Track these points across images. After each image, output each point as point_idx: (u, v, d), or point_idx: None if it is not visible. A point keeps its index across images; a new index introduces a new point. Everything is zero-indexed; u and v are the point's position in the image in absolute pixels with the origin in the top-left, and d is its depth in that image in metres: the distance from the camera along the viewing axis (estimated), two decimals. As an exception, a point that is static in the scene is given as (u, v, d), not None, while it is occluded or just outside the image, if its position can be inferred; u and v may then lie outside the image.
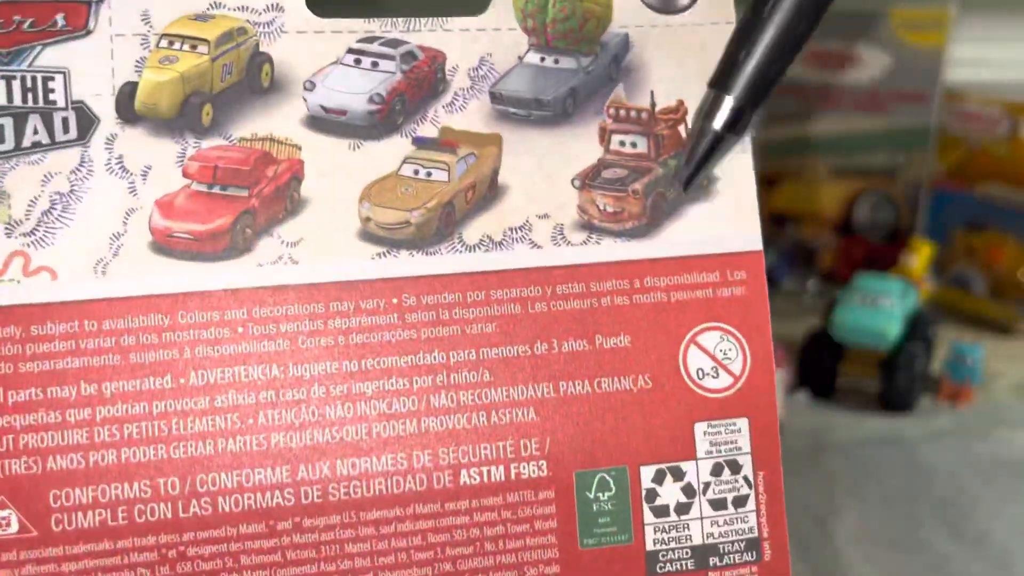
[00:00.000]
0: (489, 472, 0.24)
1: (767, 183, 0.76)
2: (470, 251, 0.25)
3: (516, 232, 0.25)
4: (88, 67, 0.23)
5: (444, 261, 0.24)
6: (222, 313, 0.23)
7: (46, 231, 0.23)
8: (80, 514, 0.22)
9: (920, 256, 0.67)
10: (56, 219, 0.23)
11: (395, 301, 0.24)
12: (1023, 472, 0.50)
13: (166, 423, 0.23)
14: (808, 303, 0.72)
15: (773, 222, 0.77)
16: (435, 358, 0.24)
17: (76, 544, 0.22)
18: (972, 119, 0.76)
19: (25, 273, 0.23)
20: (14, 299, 0.23)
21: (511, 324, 0.24)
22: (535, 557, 0.24)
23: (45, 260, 0.23)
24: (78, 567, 0.22)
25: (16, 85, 0.23)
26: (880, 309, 0.57)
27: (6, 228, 0.23)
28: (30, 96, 0.23)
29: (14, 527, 0.22)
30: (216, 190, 0.24)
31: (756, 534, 0.25)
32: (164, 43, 0.24)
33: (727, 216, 0.26)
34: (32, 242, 0.23)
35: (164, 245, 0.23)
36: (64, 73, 0.23)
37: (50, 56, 0.23)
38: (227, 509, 0.23)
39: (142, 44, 0.24)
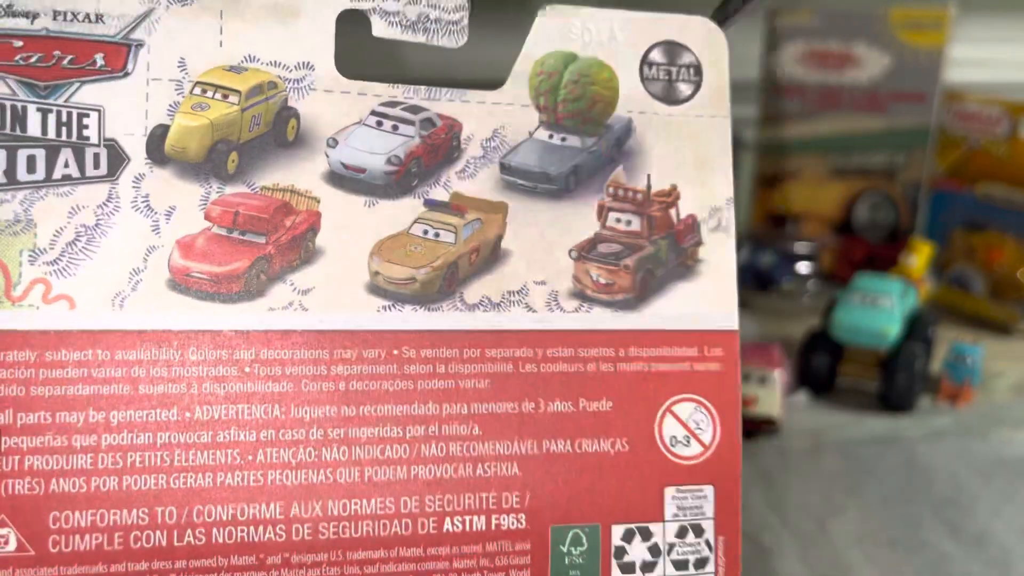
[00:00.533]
0: (471, 521, 0.25)
1: (767, 183, 0.76)
2: (470, 310, 0.26)
3: (514, 295, 0.26)
4: (123, 107, 0.24)
5: (445, 318, 0.26)
6: (231, 352, 0.24)
7: (69, 261, 0.24)
8: (78, 537, 0.23)
9: (920, 256, 0.66)
10: (80, 250, 0.24)
11: (395, 352, 0.25)
12: (1023, 472, 0.49)
13: (168, 454, 0.24)
14: (808, 303, 0.71)
15: (773, 222, 0.76)
16: (429, 409, 0.25)
17: (71, 566, 0.23)
18: (972, 119, 0.74)
19: (45, 300, 0.23)
20: (32, 324, 0.23)
21: (502, 382, 0.26)
22: None
23: (65, 289, 0.24)
24: None
25: (51, 118, 0.24)
26: (880, 309, 0.57)
27: (30, 255, 0.23)
28: (64, 130, 0.24)
29: (12, 545, 0.23)
30: (235, 235, 0.25)
31: None
32: (198, 90, 0.25)
33: (708, 296, 0.28)
34: (54, 271, 0.24)
35: (181, 284, 0.24)
36: (99, 111, 0.24)
37: (87, 93, 0.24)
38: (220, 540, 0.24)
39: (176, 90, 0.25)
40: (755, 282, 0.73)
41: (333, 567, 0.25)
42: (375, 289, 0.25)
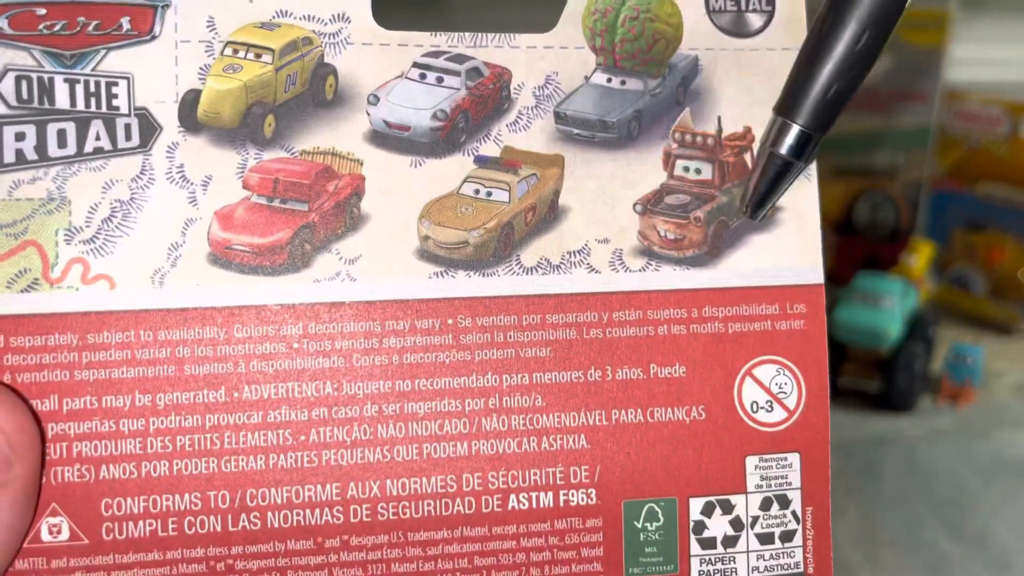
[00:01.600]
0: (538, 498, 0.24)
1: None
2: (527, 273, 0.24)
3: (575, 256, 0.25)
4: (152, 73, 0.23)
5: (501, 283, 0.24)
6: (278, 328, 0.23)
7: (106, 239, 0.23)
8: (131, 524, 0.22)
9: (920, 256, 0.66)
10: (116, 227, 0.23)
11: (450, 322, 0.24)
12: (1023, 472, 0.50)
13: (218, 436, 0.23)
14: None
15: None
16: (488, 381, 0.24)
17: (126, 553, 0.22)
18: (972, 119, 0.76)
19: (84, 281, 0.22)
20: (72, 306, 0.22)
21: (566, 349, 0.24)
22: None
23: (104, 268, 0.23)
24: None
25: (79, 89, 0.23)
26: (880, 309, 0.57)
27: (66, 234, 0.22)
28: (93, 101, 0.23)
29: (65, 534, 0.22)
30: (276, 203, 0.23)
31: (802, 569, 0.25)
32: (229, 51, 0.23)
33: (789, 247, 0.25)
34: (92, 250, 0.23)
35: (222, 257, 0.23)
36: (128, 79, 0.23)
37: (114, 60, 0.23)
38: (276, 524, 0.23)
39: (207, 51, 0.23)
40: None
41: (394, 548, 0.23)
42: (425, 255, 0.24)
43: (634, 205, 0.25)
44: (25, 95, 0.22)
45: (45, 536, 0.22)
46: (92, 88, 0.23)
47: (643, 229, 0.25)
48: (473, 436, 0.24)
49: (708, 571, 0.25)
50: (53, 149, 0.22)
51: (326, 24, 0.24)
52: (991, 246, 0.75)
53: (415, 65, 0.24)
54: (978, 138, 0.76)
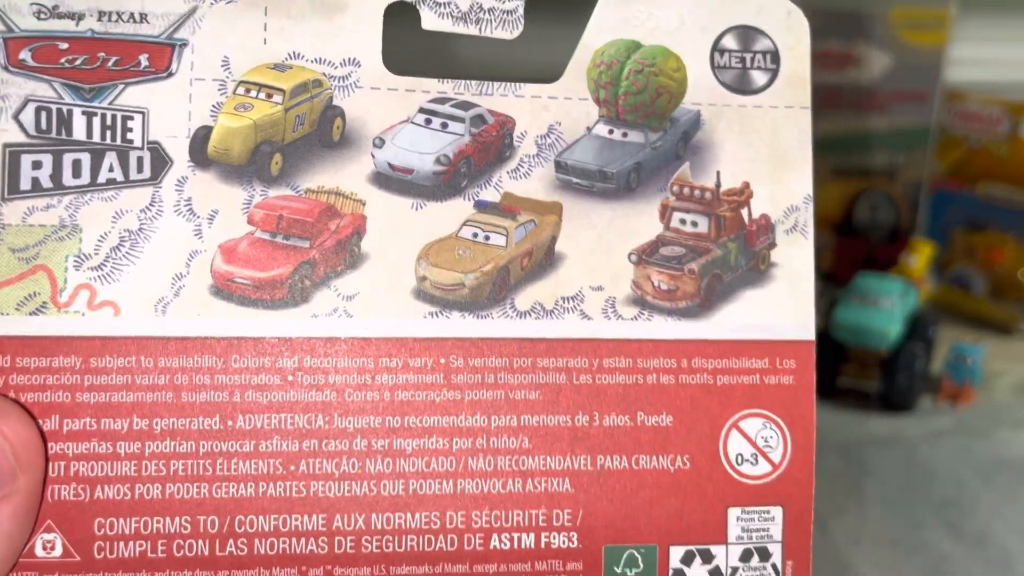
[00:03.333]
0: (520, 539, 0.24)
1: None
2: (521, 317, 0.25)
3: (568, 302, 0.25)
4: (166, 109, 0.24)
5: (494, 325, 0.25)
6: (274, 360, 0.24)
7: (113, 267, 0.23)
8: (122, 544, 0.23)
9: (920, 256, 0.66)
10: (124, 256, 0.23)
11: (443, 361, 0.24)
12: (1023, 472, 0.49)
13: (211, 463, 0.23)
14: None
15: None
16: (477, 421, 0.24)
17: (116, 573, 0.23)
18: (972, 119, 0.76)
19: (90, 306, 0.23)
20: (77, 330, 0.23)
21: (555, 393, 0.25)
22: None
23: (110, 295, 0.23)
24: None
25: (96, 121, 0.23)
26: (880, 309, 0.56)
27: (75, 261, 0.23)
28: (108, 133, 0.24)
29: (59, 551, 0.23)
30: (279, 239, 0.24)
31: None
32: (241, 90, 0.24)
33: (782, 304, 0.26)
34: (99, 276, 0.23)
35: (224, 289, 0.24)
36: (143, 113, 0.24)
37: (131, 95, 0.24)
38: (262, 552, 0.24)
39: (220, 90, 0.24)
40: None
41: None
42: (422, 295, 0.24)
43: (629, 255, 0.25)
44: (44, 125, 0.23)
45: (39, 551, 0.23)
46: (108, 121, 0.24)
47: (637, 279, 0.25)
48: (459, 475, 0.24)
49: None
50: (68, 178, 0.23)
51: (336, 67, 0.24)
52: (991, 246, 0.74)
53: (421, 110, 0.25)
54: (978, 138, 0.76)
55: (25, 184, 0.23)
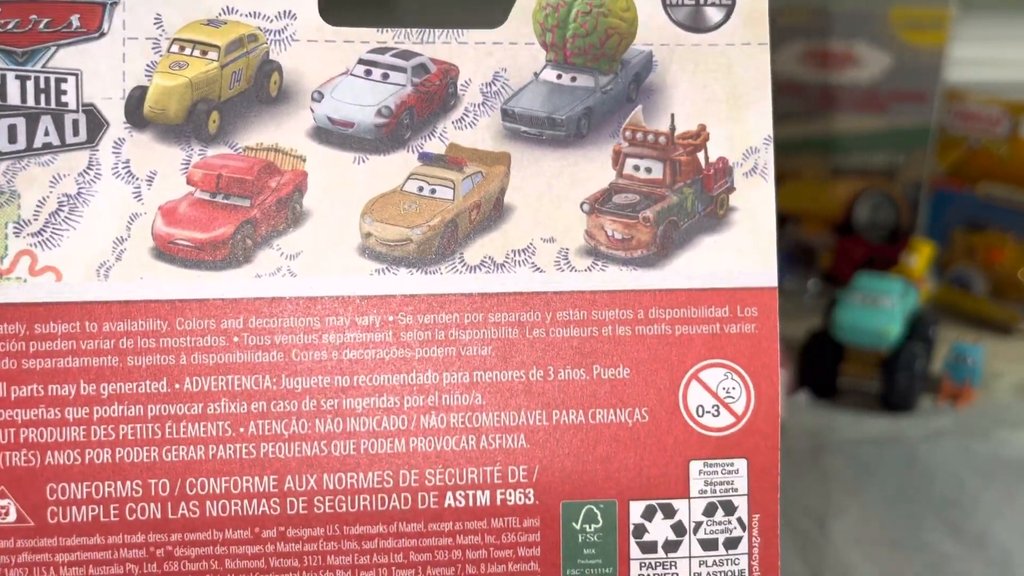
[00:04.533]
0: (475, 496, 0.24)
1: None
2: (471, 272, 0.24)
3: (519, 255, 0.24)
4: (100, 70, 0.23)
5: (444, 281, 0.24)
6: (218, 322, 0.24)
7: (53, 232, 0.23)
8: (75, 508, 0.23)
9: (920, 256, 0.66)
10: (63, 220, 0.23)
11: (391, 319, 0.24)
12: (1023, 472, 0.49)
13: (159, 426, 0.23)
14: (808, 303, 0.72)
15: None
16: (428, 378, 0.24)
17: (70, 536, 0.23)
18: (972, 119, 0.75)
19: (32, 272, 0.23)
20: (20, 297, 0.23)
21: (507, 348, 0.24)
22: None
23: (51, 260, 0.23)
24: (70, 559, 0.23)
25: (30, 85, 0.23)
26: (880, 309, 0.56)
27: (15, 227, 0.23)
28: (43, 97, 0.23)
29: (12, 516, 0.23)
30: (219, 199, 0.24)
31: None
32: (175, 48, 0.24)
33: (743, 249, 0.25)
34: (39, 242, 0.23)
35: (165, 251, 0.23)
36: (77, 75, 0.23)
37: (64, 57, 0.23)
38: (214, 514, 0.23)
39: (154, 48, 0.24)
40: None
41: (330, 542, 0.24)
42: (368, 252, 0.24)
43: (581, 204, 0.25)
44: (-22, 91, 0.23)
45: None
46: (42, 84, 0.23)
47: (590, 228, 0.25)
48: (411, 433, 0.24)
49: (648, 575, 0.24)
50: (3, 144, 0.23)
51: (272, 21, 0.24)
52: (991, 246, 0.74)
53: (360, 62, 0.24)
54: (978, 138, 0.75)
55: (-39, 151, 0.23)
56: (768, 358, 0.25)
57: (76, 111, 0.23)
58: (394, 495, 0.24)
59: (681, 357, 0.24)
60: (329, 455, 0.24)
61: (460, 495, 0.24)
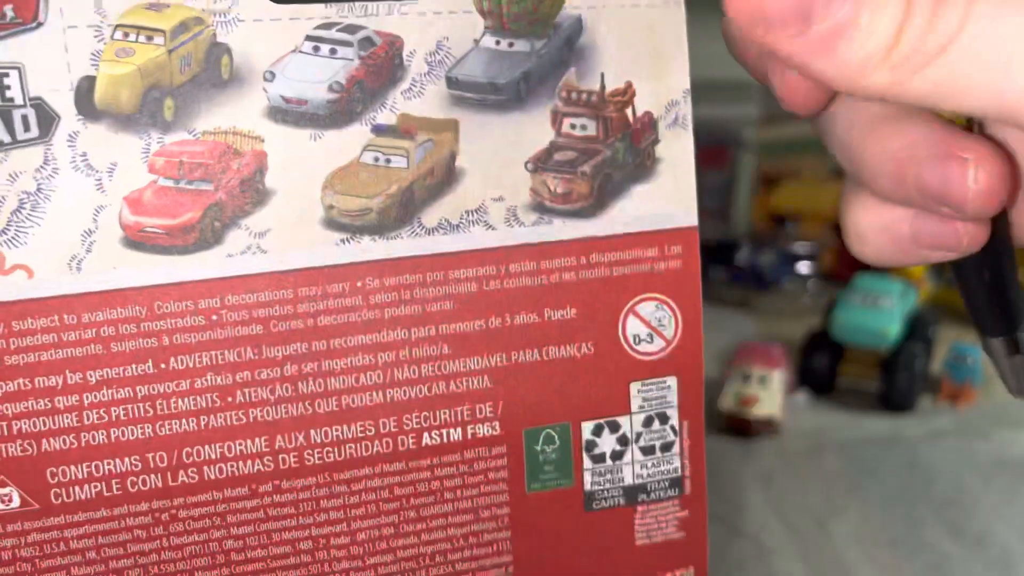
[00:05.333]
0: (448, 434, 0.27)
1: (767, 183, 0.74)
2: (429, 234, 0.26)
3: (472, 215, 0.26)
4: (42, 62, 0.23)
5: (405, 245, 0.26)
6: (196, 303, 0.25)
7: (18, 230, 0.23)
8: (77, 488, 0.25)
9: None
10: (26, 218, 0.23)
11: (359, 284, 0.26)
12: (1023, 472, 0.49)
13: (151, 404, 0.25)
14: (808, 303, 0.71)
15: (773, 222, 0.75)
16: (398, 335, 0.26)
17: (75, 513, 0.25)
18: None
19: (1, 272, 0.23)
20: None
21: (468, 301, 0.27)
22: (488, 502, 0.28)
23: (20, 258, 0.23)
24: (79, 532, 0.25)
25: (-30, 82, 0.23)
26: (880, 309, 0.56)
27: (-22, 229, 0.23)
28: (-14, 93, 0.23)
29: (16, 502, 0.24)
30: (183, 184, 0.24)
31: (679, 473, 0.29)
32: (119, 34, 0.23)
33: (667, 194, 0.28)
34: (5, 241, 0.23)
35: (136, 240, 0.24)
36: (19, 68, 0.23)
37: (2, 51, 0.23)
38: (212, 476, 0.25)
39: (96, 36, 0.23)
40: (755, 282, 0.71)
41: (322, 487, 0.26)
42: (331, 223, 0.25)
43: (526, 163, 0.27)
44: (-86, 92, 0.22)
45: None
46: (-17, 80, 0.23)
47: (535, 186, 0.27)
48: (387, 386, 0.26)
49: (599, 481, 0.28)
50: (-48, 145, 0.23)
51: (216, 2, 0.24)
52: None
53: (308, 38, 0.25)
54: None
55: (-93, 156, 0.23)
56: (691, 288, 0.28)
57: (24, 106, 0.23)
58: (376, 441, 0.26)
59: (619, 295, 0.28)
60: (315, 413, 0.26)
61: (435, 434, 0.27)
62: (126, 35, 0.23)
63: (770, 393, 0.53)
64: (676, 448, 0.29)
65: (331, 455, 0.26)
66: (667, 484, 0.29)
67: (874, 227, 0.24)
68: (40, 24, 0.23)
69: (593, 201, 0.27)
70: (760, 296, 0.76)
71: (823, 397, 0.59)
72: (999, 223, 0.24)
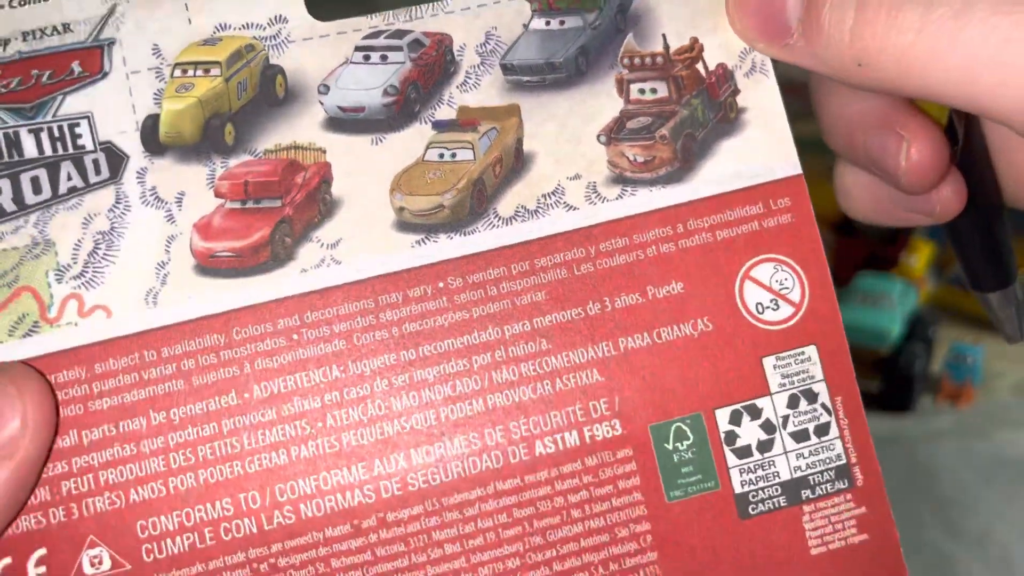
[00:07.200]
0: (563, 438, 0.24)
1: None
2: (507, 224, 0.24)
3: (550, 198, 0.25)
4: (110, 107, 0.24)
5: (483, 238, 0.24)
6: (274, 323, 0.23)
7: (95, 271, 0.23)
8: (169, 540, 0.23)
9: (920, 256, 0.66)
10: (102, 258, 0.23)
11: (441, 285, 0.24)
12: (1023, 472, 0.48)
13: (238, 439, 0.23)
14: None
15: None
16: (491, 335, 0.24)
17: (169, 571, 0.23)
18: None
19: (81, 314, 0.23)
20: (75, 341, 0.23)
21: (560, 289, 0.24)
22: (624, 517, 0.24)
23: (98, 299, 0.23)
24: None
25: (44, 136, 0.23)
26: (880, 309, 0.56)
27: (56, 274, 0.23)
28: (59, 145, 0.24)
29: (107, 564, 0.23)
30: (250, 204, 0.24)
31: (844, 460, 0.24)
32: (178, 72, 0.24)
33: (761, 146, 0.25)
34: (83, 284, 0.23)
35: (208, 266, 0.23)
36: (88, 117, 0.24)
37: (72, 103, 0.24)
38: (310, 514, 0.23)
39: (157, 77, 0.24)
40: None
41: (431, 517, 0.23)
42: (404, 225, 0.24)
43: (598, 136, 0.25)
44: (-5, 152, 0.23)
45: (88, 569, 0.22)
46: (56, 133, 0.24)
47: (611, 158, 0.25)
48: (486, 391, 0.24)
49: (750, 480, 0.24)
50: (29, 197, 0.23)
51: (265, 28, 0.24)
52: None
53: (357, 49, 0.25)
54: None
55: (-10, 213, 0.23)
56: (812, 243, 0.25)
57: (94, 151, 0.24)
58: (484, 455, 0.24)
59: (728, 260, 0.25)
60: (412, 430, 0.23)
61: (548, 441, 0.24)
62: (185, 71, 0.24)
63: None
64: (834, 430, 0.25)
65: (436, 476, 0.23)
66: (832, 475, 0.24)
67: (858, 184, 0.27)
68: (106, 74, 0.24)
69: (679, 165, 0.25)
70: None
71: None
72: (987, 186, 0.26)
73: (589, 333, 0.24)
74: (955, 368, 0.57)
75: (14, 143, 0.23)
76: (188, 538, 0.23)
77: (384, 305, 0.24)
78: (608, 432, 0.24)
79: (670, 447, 0.24)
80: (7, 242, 0.23)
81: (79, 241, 0.23)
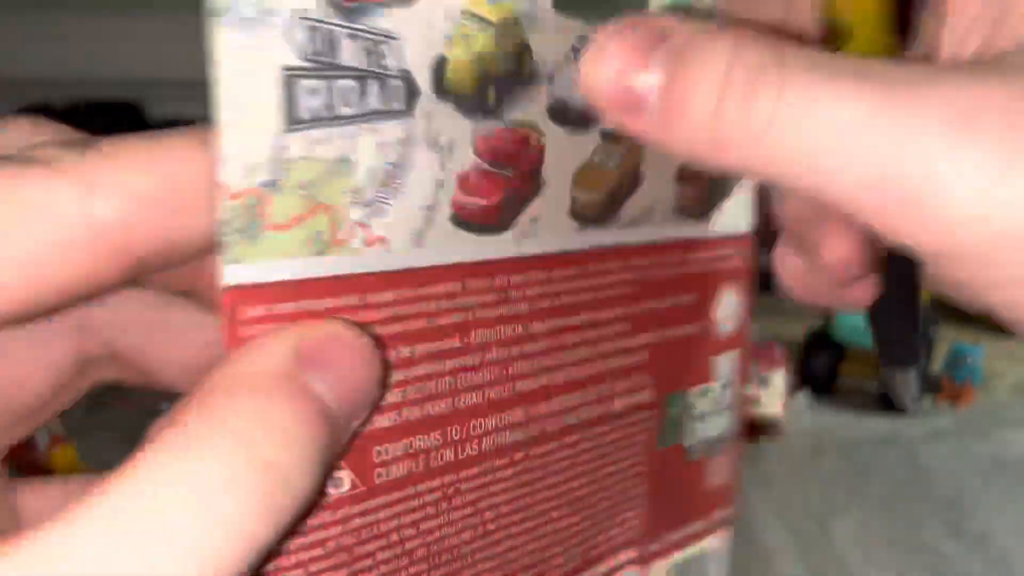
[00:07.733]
0: (631, 398, 0.32)
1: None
2: (623, 228, 0.31)
3: (646, 214, 0.32)
4: (412, 36, 0.23)
5: (610, 235, 0.30)
6: (492, 280, 0.26)
7: (380, 201, 0.23)
8: (395, 466, 0.24)
9: None
10: (389, 189, 0.23)
11: (590, 268, 0.29)
12: (1023, 472, 0.50)
13: (454, 378, 0.26)
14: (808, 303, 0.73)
15: (773, 223, 0.78)
16: (616, 312, 0.30)
17: (390, 493, 0.24)
18: None
19: (366, 243, 0.23)
20: (353, 268, 0.23)
21: (648, 284, 0.32)
22: (631, 452, 0.33)
23: (381, 230, 0.23)
24: (390, 513, 0.24)
25: (359, 45, 0.22)
26: None
27: (353, 197, 0.22)
28: (368, 59, 0.22)
29: (346, 486, 0.23)
30: (495, 168, 0.26)
31: (731, 430, 0.37)
32: (465, 20, 0.25)
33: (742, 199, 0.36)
34: (371, 212, 0.23)
35: (462, 217, 0.25)
36: (395, 39, 0.23)
37: (381, 20, 0.23)
38: (486, 448, 0.27)
39: (449, 18, 0.24)
40: (756, 282, 0.75)
41: (565, 449, 0.29)
42: (575, 214, 0.29)
43: (677, 176, 0.33)
44: (315, 47, 0.21)
45: (328, 491, 0.23)
46: (369, 45, 0.22)
47: (678, 194, 0.33)
48: (604, 357, 0.30)
49: (695, 437, 0.35)
50: (340, 108, 0.22)
51: (522, 5, 0.26)
52: None
53: (573, 49, 0.28)
54: None
55: (304, 114, 0.21)
56: (750, 282, 0.37)
57: (396, 77, 0.23)
58: (595, 406, 0.30)
59: (715, 281, 0.35)
60: (565, 381, 0.29)
61: (623, 399, 0.31)
62: (470, 22, 0.25)
63: (771, 393, 0.54)
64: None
65: (570, 419, 0.29)
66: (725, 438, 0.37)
67: (789, 271, 0.31)
68: (412, 1, 0.23)
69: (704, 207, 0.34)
70: (761, 296, 0.82)
71: (824, 397, 0.59)
72: (906, 275, 0.29)
73: (647, 322, 0.32)
74: (955, 368, 0.58)
75: (333, 43, 0.22)
76: (408, 465, 0.25)
77: (556, 277, 0.28)
78: (647, 397, 0.32)
79: (672, 411, 0.34)
80: (314, 152, 0.21)
81: (373, 167, 0.23)
